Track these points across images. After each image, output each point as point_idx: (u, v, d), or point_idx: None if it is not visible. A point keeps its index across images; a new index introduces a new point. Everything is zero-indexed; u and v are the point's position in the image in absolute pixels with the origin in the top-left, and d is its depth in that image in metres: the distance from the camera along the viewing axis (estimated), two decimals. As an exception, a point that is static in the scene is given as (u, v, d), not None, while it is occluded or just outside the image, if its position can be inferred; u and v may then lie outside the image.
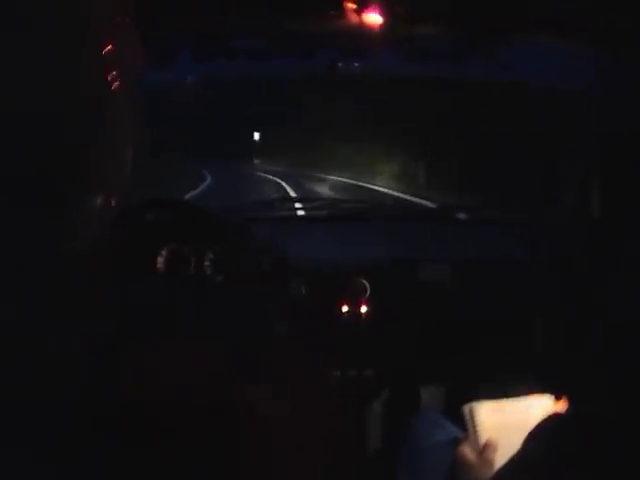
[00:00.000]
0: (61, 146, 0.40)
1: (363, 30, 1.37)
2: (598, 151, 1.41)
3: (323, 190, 8.40)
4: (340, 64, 1.64)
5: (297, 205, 2.09)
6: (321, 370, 0.53)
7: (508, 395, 1.16)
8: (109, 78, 0.42)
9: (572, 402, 1.07)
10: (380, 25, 1.37)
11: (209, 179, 9.70)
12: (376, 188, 8.63)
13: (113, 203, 0.46)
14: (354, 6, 1.33)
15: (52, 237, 0.42)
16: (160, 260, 1.24)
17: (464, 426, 1.13)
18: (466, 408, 1.11)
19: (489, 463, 1.02)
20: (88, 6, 0.41)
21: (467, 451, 1.06)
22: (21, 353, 0.37)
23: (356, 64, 1.78)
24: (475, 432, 1.08)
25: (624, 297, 1.05)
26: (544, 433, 0.64)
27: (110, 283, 0.49)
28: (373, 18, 1.36)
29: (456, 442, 1.12)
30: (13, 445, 0.36)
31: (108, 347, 0.39)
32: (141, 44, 0.45)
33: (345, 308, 1.56)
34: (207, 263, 1.28)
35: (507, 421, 1.08)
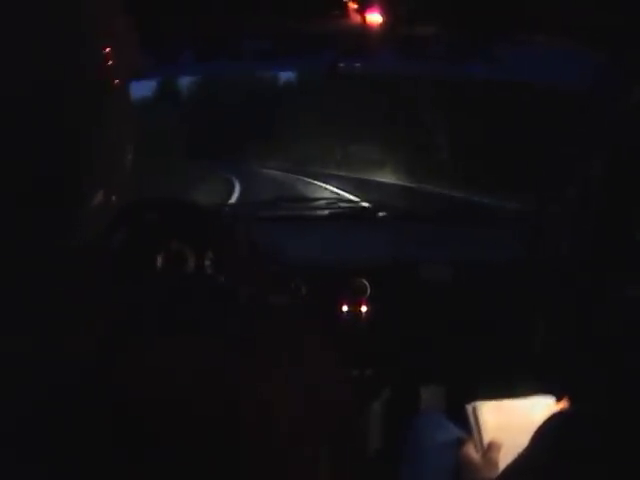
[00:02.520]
0: (60, 144, 0.40)
1: (364, 30, 1.38)
2: (598, 151, 1.41)
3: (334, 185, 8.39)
4: (341, 64, 1.64)
5: (297, 205, 2.09)
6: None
7: (508, 395, 1.16)
8: (107, 77, 0.42)
9: (573, 402, 1.07)
10: (380, 25, 1.37)
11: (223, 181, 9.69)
12: (384, 181, 8.66)
13: (114, 200, 0.46)
14: (355, 6, 1.33)
15: (53, 235, 0.42)
16: (160, 260, 1.24)
17: (466, 426, 1.13)
18: (469, 408, 1.11)
19: (493, 463, 1.02)
20: (86, 5, 0.41)
21: (471, 451, 1.06)
22: (19, 352, 0.37)
23: (357, 64, 1.78)
24: (479, 432, 1.08)
25: (624, 297, 1.05)
26: (548, 432, 0.64)
27: (110, 283, 0.49)
28: (374, 18, 1.36)
29: (459, 442, 1.12)
30: (8, 446, 0.36)
31: (106, 347, 0.39)
32: (139, 44, 0.45)
33: (345, 308, 1.56)
34: (207, 263, 1.28)
35: (510, 421, 1.08)
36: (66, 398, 0.37)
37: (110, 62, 0.42)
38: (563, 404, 1.09)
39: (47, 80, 0.39)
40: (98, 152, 0.43)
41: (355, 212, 2.04)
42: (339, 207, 2.09)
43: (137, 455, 0.38)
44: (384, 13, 1.35)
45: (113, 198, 0.46)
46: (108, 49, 0.42)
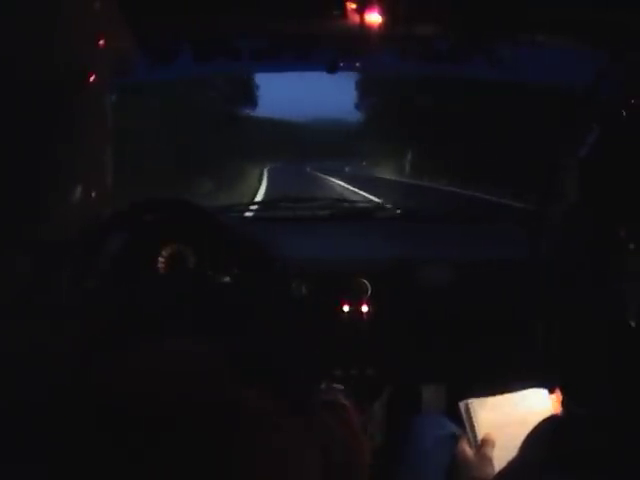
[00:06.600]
0: (39, 141, 0.40)
1: (363, 30, 1.37)
2: (599, 151, 1.41)
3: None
4: (341, 64, 1.64)
5: (297, 205, 2.09)
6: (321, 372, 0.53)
7: (504, 392, 1.16)
8: (86, 76, 0.42)
9: (570, 403, 1.07)
10: (380, 25, 1.37)
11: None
12: (384, 180, 8.67)
13: (93, 197, 0.46)
14: (354, 6, 1.33)
15: (33, 230, 0.42)
16: (160, 260, 1.24)
17: (460, 423, 1.13)
18: (462, 405, 1.11)
19: (487, 459, 1.03)
20: (70, 7, 0.41)
21: (465, 448, 1.07)
22: (14, 353, 0.37)
23: (357, 64, 1.79)
24: (472, 429, 1.09)
25: (624, 297, 1.05)
26: (543, 434, 0.64)
27: (110, 283, 0.49)
28: (373, 18, 1.36)
29: (454, 438, 1.12)
30: (6, 446, 0.36)
31: (102, 347, 0.39)
32: (133, 42, 0.45)
33: (346, 308, 1.56)
34: (207, 263, 1.28)
35: (502, 416, 1.09)
36: (61, 398, 0.37)
37: (93, 61, 0.42)
38: (556, 396, 1.10)
39: (27, 79, 0.39)
40: (76, 150, 0.43)
41: (355, 212, 2.04)
42: (339, 207, 2.09)
43: (131, 456, 0.38)
44: (384, 13, 1.35)
45: (93, 195, 0.46)
46: (92, 48, 0.42)
